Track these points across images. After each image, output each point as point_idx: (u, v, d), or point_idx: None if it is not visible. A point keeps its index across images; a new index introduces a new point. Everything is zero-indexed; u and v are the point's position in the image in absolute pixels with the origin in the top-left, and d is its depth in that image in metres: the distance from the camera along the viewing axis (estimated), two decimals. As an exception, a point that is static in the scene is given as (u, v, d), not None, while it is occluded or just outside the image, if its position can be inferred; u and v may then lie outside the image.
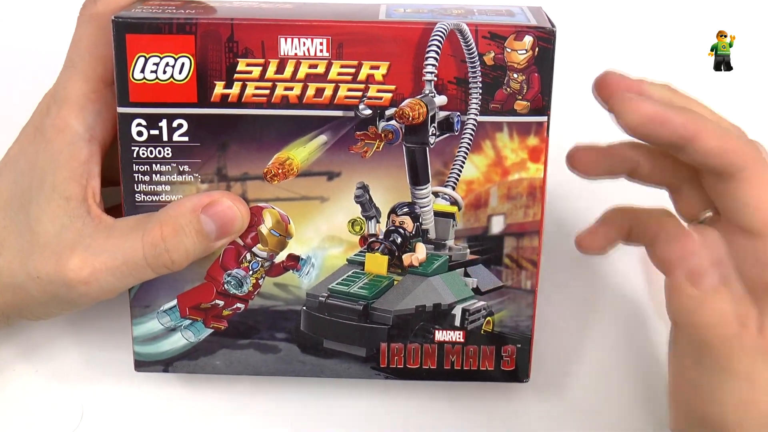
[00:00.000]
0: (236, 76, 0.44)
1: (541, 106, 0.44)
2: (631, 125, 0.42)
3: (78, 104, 0.45)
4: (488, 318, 0.48)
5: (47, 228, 0.45)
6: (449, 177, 0.46)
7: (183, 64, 0.44)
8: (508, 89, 0.44)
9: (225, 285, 0.47)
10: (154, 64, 0.44)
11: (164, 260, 0.44)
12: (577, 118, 0.52)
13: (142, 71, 0.44)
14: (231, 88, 0.44)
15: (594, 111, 0.53)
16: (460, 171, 0.45)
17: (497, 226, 0.46)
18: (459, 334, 0.48)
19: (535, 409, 0.52)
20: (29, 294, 0.46)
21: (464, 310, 0.48)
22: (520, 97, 0.44)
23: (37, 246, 0.45)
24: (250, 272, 0.47)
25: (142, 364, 0.49)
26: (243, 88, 0.44)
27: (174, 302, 0.48)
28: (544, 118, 0.45)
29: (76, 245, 0.44)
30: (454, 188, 0.46)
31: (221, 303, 0.48)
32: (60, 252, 0.44)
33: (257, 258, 0.47)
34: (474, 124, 0.45)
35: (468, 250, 0.47)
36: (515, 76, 0.44)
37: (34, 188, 0.45)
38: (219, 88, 0.44)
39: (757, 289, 0.43)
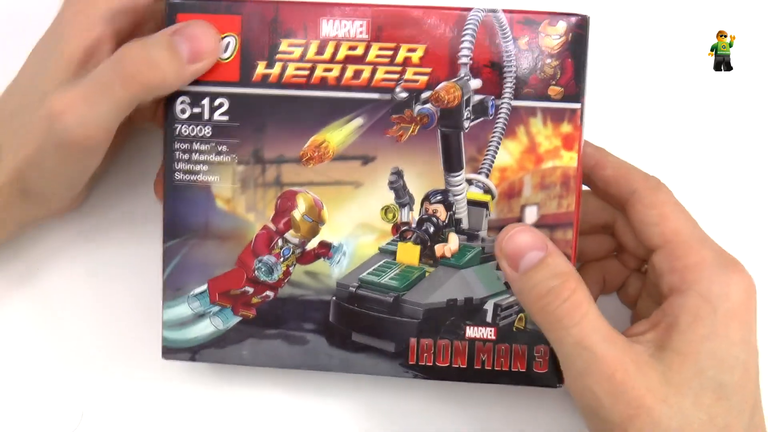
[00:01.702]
0: (278, 56, 0.46)
1: (575, 92, 0.45)
2: None
3: None
4: (521, 314, 0.47)
5: (51, 90, 0.45)
6: (483, 163, 0.46)
7: (228, 43, 0.46)
8: (542, 74, 0.45)
9: (255, 271, 0.47)
10: (201, 43, 0.46)
11: (130, 70, 0.44)
12: (611, 109, 0.52)
13: (190, 50, 0.46)
14: (272, 68, 0.46)
15: (625, 102, 0.53)
16: (494, 157, 0.46)
17: (530, 216, 0.46)
18: (491, 331, 0.47)
19: (564, 419, 0.50)
20: (36, 154, 0.46)
21: (496, 305, 0.46)
22: (553, 83, 0.45)
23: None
24: (281, 259, 0.47)
25: (170, 351, 0.48)
26: (284, 68, 0.46)
27: (204, 287, 0.48)
28: (577, 105, 0.45)
29: (65, 87, 0.45)
30: (487, 175, 0.46)
31: (251, 290, 0.47)
32: (51, 95, 0.45)
33: (289, 244, 0.47)
34: (508, 109, 0.45)
35: (501, 241, 0.46)
36: (549, 60, 0.45)
37: (47, 60, 0.47)
38: (261, 68, 0.46)
39: (660, 299, 0.45)
